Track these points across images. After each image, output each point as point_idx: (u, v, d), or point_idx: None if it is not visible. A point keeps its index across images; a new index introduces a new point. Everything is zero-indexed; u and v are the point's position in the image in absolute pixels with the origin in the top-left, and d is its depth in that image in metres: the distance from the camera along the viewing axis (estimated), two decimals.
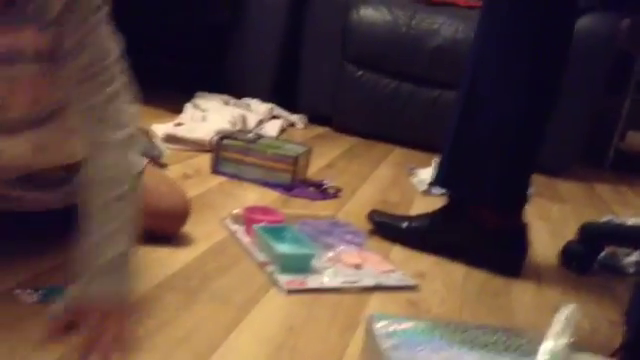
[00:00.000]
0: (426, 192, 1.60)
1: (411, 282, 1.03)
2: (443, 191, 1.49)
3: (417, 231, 1.18)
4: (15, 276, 0.81)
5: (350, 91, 2.13)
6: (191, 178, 1.40)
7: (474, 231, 1.15)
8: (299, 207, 1.33)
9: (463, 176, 1.15)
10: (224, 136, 1.50)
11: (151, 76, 2.35)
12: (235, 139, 1.49)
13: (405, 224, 1.21)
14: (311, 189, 1.45)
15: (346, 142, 2.06)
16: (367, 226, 1.24)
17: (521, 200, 1.16)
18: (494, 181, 1.13)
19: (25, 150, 0.81)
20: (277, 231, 1.05)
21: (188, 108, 1.91)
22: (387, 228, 1.21)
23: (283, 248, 1.01)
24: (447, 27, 2.02)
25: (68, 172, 0.90)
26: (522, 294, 1.10)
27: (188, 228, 1.04)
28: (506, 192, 1.15)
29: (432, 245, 1.17)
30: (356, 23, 2.06)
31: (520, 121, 1.11)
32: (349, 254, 1.06)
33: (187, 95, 2.03)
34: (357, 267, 1.03)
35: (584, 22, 1.87)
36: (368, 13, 2.05)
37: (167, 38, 2.34)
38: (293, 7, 2.15)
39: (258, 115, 1.99)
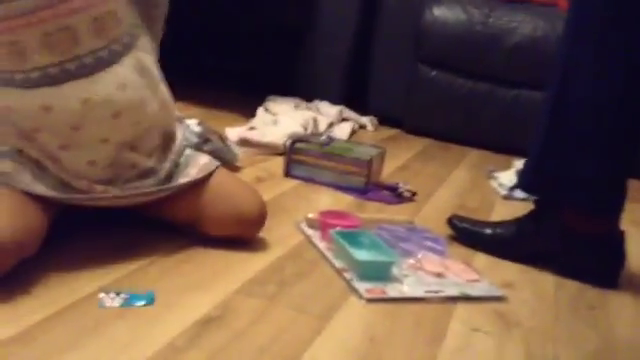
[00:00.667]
0: (507, 196, 1.52)
1: (498, 292, 0.97)
2: (526, 196, 1.42)
3: (503, 238, 1.12)
4: (98, 281, 0.81)
5: (423, 92, 2.07)
6: (264, 181, 1.39)
7: (566, 238, 1.07)
8: (374, 211, 1.29)
9: (552, 179, 1.08)
10: (296, 139, 1.48)
11: (224, 79, 2.39)
12: (308, 142, 1.46)
13: (489, 230, 1.15)
14: (386, 192, 1.40)
15: (419, 144, 2.00)
16: (447, 232, 1.19)
17: (617, 204, 1.07)
18: (587, 184, 1.05)
19: (113, 90, 0.81)
20: (354, 236, 1.02)
21: (260, 112, 1.91)
22: (470, 234, 1.15)
23: (362, 255, 0.97)
24: (525, 25, 1.92)
25: (165, 144, 0.93)
26: (620, 307, 1.01)
27: (264, 232, 1.02)
28: (600, 195, 1.06)
29: (520, 253, 1.10)
30: (430, 23, 1.99)
31: (615, 122, 1.02)
32: (430, 262, 1.01)
33: (259, 98, 2.03)
34: (439, 276, 0.98)
35: None
36: (442, 12, 1.99)
37: (239, 41, 2.36)
38: (365, 8, 2.11)
39: (329, 117, 1.96)
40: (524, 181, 1.13)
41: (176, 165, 0.97)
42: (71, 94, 0.79)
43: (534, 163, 1.10)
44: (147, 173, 0.92)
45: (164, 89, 0.95)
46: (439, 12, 1.99)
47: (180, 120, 1.43)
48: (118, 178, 0.89)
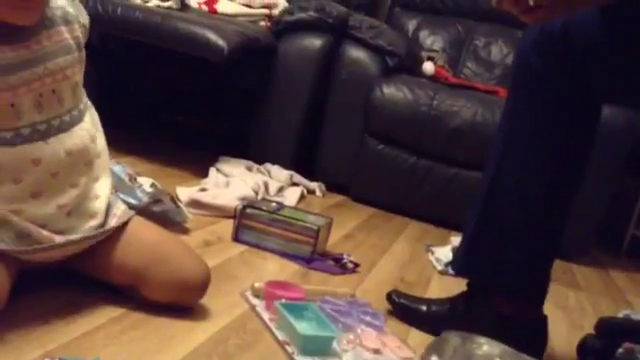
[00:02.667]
0: (443, 272, 1.60)
1: None
2: None
3: (436, 317, 1.18)
4: (44, 346, 0.82)
5: (370, 163, 2.17)
6: (212, 245, 1.42)
7: (495, 320, 1.15)
8: (319, 282, 1.34)
9: (482, 263, 1.16)
10: (247, 205, 1.53)
11: (179, 136, 2.43)
12: (258, 209, 1.51)
13: (424, 307, 1.21)
14: (330, 262, 1.46)
15: (364, 212, 2.08)
16: (385, 305, 1.25)
17: (543, 290, 1.16)
18: (515, 269, 1.14)
19: (87, 142, 0.93)
20: (298, 309, 1.06)
21: (212, 172, 1.95)
22: (406, 311, 1.22)
23: (304, 328, 1.01)
24: (467, 109, 2.07)
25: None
26: None
27: (207, 300, 1.05)
28: (527, 281, 1.15)
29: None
30: (379, 100, 2.12)
31: (543, 212, 1.12)
32: (369, 337, 1.06)
33: (212, 156, 2.07)
34: (376, 352, 1.03)
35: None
36: (391, 91, 2.12)
37: (197, 98, 2.42)
38: (319, 79, 2.22)
39: (279, 182, 2.03)
40: (456, 263, 1.21)
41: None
42: (57, 147, 0.88)
43: (465, 246, 1.18)
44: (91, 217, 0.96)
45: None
46: (388, 90, 2.12)
47: (132, 179, 1.46)
48: (73, 229, 0.92)
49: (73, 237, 0.91)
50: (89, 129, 0.95)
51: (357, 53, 2.21)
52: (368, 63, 2.20)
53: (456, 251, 1.21)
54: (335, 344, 1.01)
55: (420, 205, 2.14)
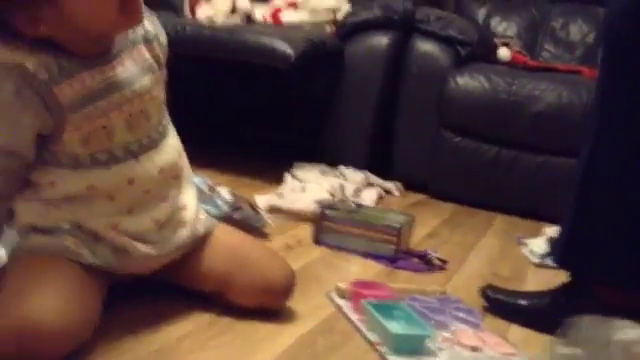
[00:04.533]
0: (540, 264, 1.50)
1: None
2: None
3: (538, 310, 1.10)
4: (132, 355, 0.81)
5: (448, 158, 2.09)
6: (294, 249, 1.39)
7: (602, 311, 1.04)
8: (404, 280, 1.28)
9: (583, 254, 1.07)
10: (326, 206, 1.49)
11: (251, 147, 2.45)
12: (337, 209, 1.48)
13: (524, 302, 1.13)
14: (415, 260, 1.40)
15: (446, 209, 2.00)
16: (480, 302, 1.17)
17: None
18: (618, 258, 1.04)
19: (175, 156, 0.93)
20: (387, 308, 1.01)
21: (287, 179, 1.94)
22: (504, 306, 1.14)
23: (396, 327, 0.96)
24: (550, 92, 1.95)
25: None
26: None
27: (293, 302, 1.02)
28: (632, 269, 1.05)
29: (556, 325, 1.07)
30: (453, 91, 2.04)
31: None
32: (466, 335, 0.99)
33: (285, 165, 2.07)
34: (475, 349, 0.96)
35: None
36: (465, 81, 2.03)
37: (267, 110, 2.43)
38: (388, 77, 2.17)
39: (355, 184, 1.98)
40: (556, 255, 1.12)
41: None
42: (148, 164, 0.88)
43: (565, 238, 1.09)
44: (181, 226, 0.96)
45: None
46: (462, 81, 2.04)
47: (212, 189, 1.47)
48: (166, 240, 0.92)
49: (167, 248, 0.92)
50: (175, 143, 0.95)
51: (427, 46, 2.14)
52: (439, 55, 2.12)
53: (555, 242, 1.12)
54: (429, 343, 0.95)
55: (506, 197, 2.02)
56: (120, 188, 0.85)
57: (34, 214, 0.84)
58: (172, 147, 0.93)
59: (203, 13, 2.23)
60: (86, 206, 0.84)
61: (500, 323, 1.12)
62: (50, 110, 0.79)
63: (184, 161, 0.98)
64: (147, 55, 0.89)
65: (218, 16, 2.20)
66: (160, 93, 0.92)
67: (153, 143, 0.89)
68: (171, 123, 0.98)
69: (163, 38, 0.94)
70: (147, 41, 0.90)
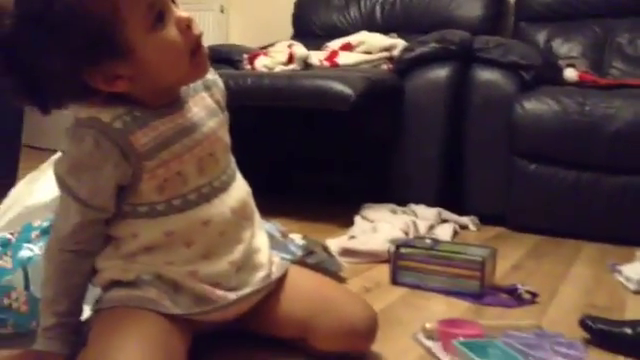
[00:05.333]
0: (638, 290, 1.38)
1: None
2: None
3: None
4: None
5: (524, 187, 1.99)
6: (371, 291, 1.34)
7: None
8: (495, 317, 1.20)
9: None
10: (400, 244, 1.44)
11: (319, 193, 2.44)
12: (413, 247, 1.42)
13: (629, 330, 1.03)
14: (503, 295, 1.31)
15: (528, 241, 1.89)
16: (580, 334, 1.07)
17: None
18: None
19: (245, 196, 0.94)
20: (481, 347, 0.94)
21: (357, 220, 1.90)
22: (608, 336, 1.04)
23: None
24: (625, 110, 1.84)
25: None
26: None
27: (377, 346, 0.97)
28: None
29: None
30: (522, 117, 1.96)
31: None
32: None
33: (354, 207, 2.03)
34: None
35: None
36: (533, 106, 1.95)
37: (330, 155, 2.43)
38: (451, 109, 2.12)
39: (427, 220, 1.92)
40: None
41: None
42: (222, 206, 0.88)
43: None
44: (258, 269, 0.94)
45: None
46: (530, 106, 1.96)
47: (284, 235, 1.45)
48: (244, 283, 0.91)
49: (245, 292, 0.90)
50: (243, 185, 0.95)
51: (488, 74, 2.08)
52: (502, 82, 2.06)
53: None
54: None
55: (592, 224, 1.90)
56: (196, 231, 0.86)
57: (117, 270, 0.85)
58: (241, 189, 0.94)
59: (261, 64, 2.29)
60: (164, 254, 0.85)
61: (606, 355, 1.02)
62: (128, 159, 0.80)
63: (253, 204, 0.97)
64: (209, 100, 0.92)
65: (276, 65, 2.24)
66: (225, 135, 0.93)
67: (224, 185, 0.90)
68: (237, 168, 0.99)
69: (220, 83, 0.97)
70: (207, 88, 0.93)
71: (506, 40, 2.22)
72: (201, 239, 0.86)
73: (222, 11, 3.35)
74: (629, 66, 2.37)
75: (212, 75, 0.95)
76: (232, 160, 0.95)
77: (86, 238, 0.84)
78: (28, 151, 2.36)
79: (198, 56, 0.81)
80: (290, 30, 3.01)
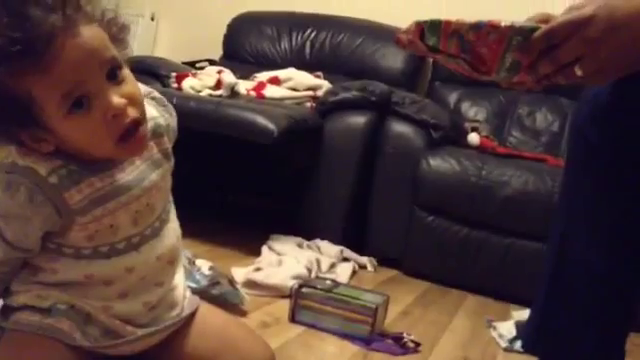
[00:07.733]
0: (508, 349, 1.54)
1: None
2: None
3: None
4: None
5: (421, 235, 2.15)
6: (270, 327, 1.41)
7: None
8: None
9: (553, 340, 1.11)
10: (303, 284, 1.52)
11: (232, 215, 2.48)
12: (314, 287, 1.50)
13: None
14: (390, 342, 1.42)
15: (418, 287, 2.04)
16: None
17: None
18: (588, 346, 1.08)
19: (174, 241, 0.94)
20: None
21: (265, 251, 1.96)
22: None
23: None
24: (517, 178, 2.05)
25: None
26: None
27: None
28: (602, 357, 1.09)
29: None
30: (426, 172, 2.13)
31: (613, 284, 1.08)
32: None
33: (263, 234, 2.10)
34: None
35: None
36: (437, 163, 2.13)
37: (246, 179, 2.48)
38: (365, 155, 2.26)
39: (330, 258, 2.02)
40: (525, 339, 1.16)
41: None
42: (149, 254, 0.89)
43: (536, 322, 1.14)
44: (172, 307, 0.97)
45: None
46: (435, 162, 2.13)
47: (191, 262, 1.48)
48: (155, 321, 0.93)
49: (154, 328, 0.92)
50: (175, 227, 0.95)
51: (401, 128, 2.24)
52: (413, 137, 2.23)
53: (525, 327, 1.16)
54: None
55: (476, 277, 2.09)
56: (118, 276, 0.87)
57: (32, 296, 0.85)
58: (172, 231, 0.94)
59: (188, 85, 2.31)
60: (82, 290, 0.86)
61: None
62: (60, 213, 0.80)
63: (181, 246, 0.98)
64: (155, 150, 0.89)
65: (204, 89, 2.28)
66: (167, 183, 0.92)
67: (155, 231, 0.90)
68: (173, 204, 0.98)
69: (174, 124, 0.93)
70: (157, 136, 0.89)
71: (421, 98, 2.39)
72: (121, 282, 0.88)
73: (152, 19, 3.33)
74: (525, 135, 2.63)
75: (166, 121, 0.91)
76: (169, 200, 0.94)
77: (7, 270, 0.85)
78: None
79: (128, 142, 0.78)
80: (219, 50, 3.04)
